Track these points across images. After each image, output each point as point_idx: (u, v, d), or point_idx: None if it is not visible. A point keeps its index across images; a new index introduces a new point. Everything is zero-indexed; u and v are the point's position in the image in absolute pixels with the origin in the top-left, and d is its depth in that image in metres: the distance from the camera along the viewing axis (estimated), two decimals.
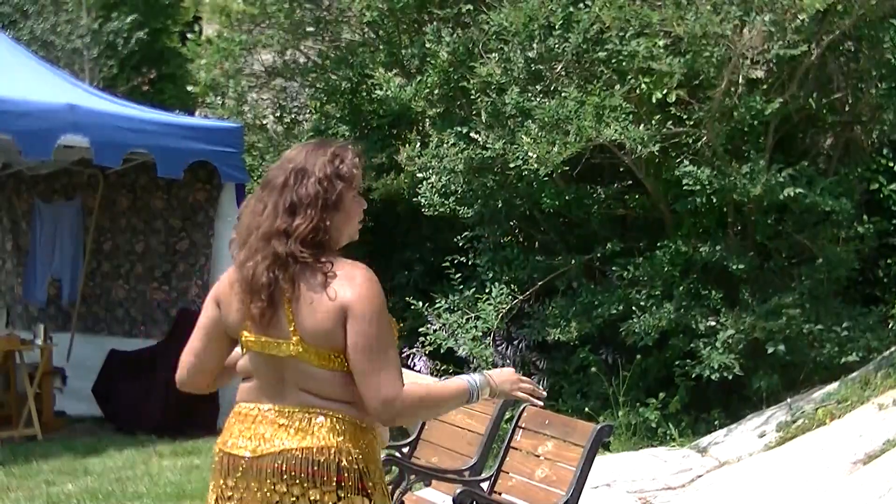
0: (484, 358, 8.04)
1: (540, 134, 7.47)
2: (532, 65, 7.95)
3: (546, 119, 7.49)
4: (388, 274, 9.88)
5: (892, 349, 7.64)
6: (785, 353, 7.67)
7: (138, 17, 16.44)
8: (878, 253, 8.91)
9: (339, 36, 10.50)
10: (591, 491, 6.15)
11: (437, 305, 8.63)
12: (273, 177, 2.86)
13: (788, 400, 7.46)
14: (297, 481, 2.75)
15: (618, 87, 7.60)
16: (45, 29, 16.08)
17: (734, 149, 8.01)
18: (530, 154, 7.49)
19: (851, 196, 7.98)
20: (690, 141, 7.87)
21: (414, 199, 8.85)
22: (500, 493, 4.94)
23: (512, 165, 7.86)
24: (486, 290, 8.47)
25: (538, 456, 4.88)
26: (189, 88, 13.39)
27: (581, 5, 7.80)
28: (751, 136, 8.04)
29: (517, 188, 8.58)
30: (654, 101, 7.57)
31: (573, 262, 8.58)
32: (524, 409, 5.14)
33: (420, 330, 8.72)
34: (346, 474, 2.76)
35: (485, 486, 4.99)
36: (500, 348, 8.67)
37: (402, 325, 8.88)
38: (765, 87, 7.84)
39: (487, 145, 8.03)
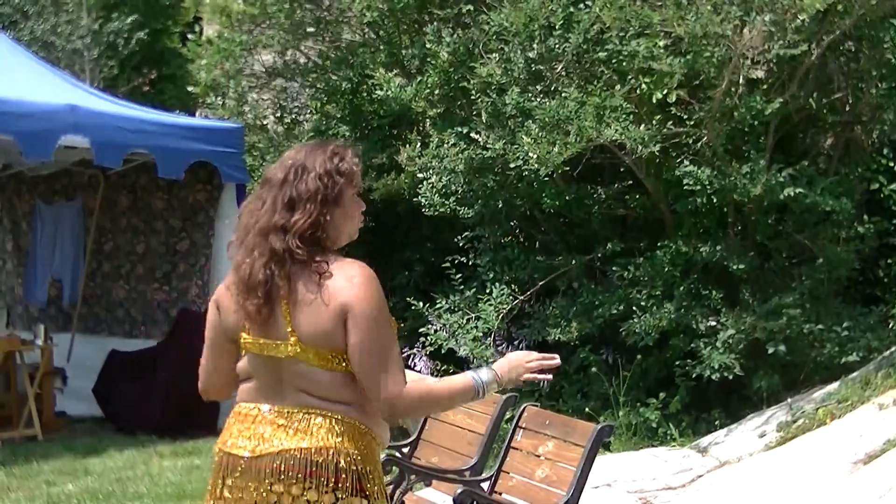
0: (485, 358, 8.04)
1: (540, 134, 7.47)
2: (532, 65, 7.95)
3: (546, 119, 7.49)
4: (388, 274, 9.88)
5: (893, 349, 7.64)
6: (785, 353, 7.67)
7: (139, 18, 16.44)
8: (879, 253, 8.91)
9: (339, 36, 10.50)
10: (592, 491, 6.15)
11: (438, 306, 8.63)
12: (272, 174, 2.87)
13: (789, 400, 7.46)
14: (296, 481, 2.75)
15: (618, 87, 7.60)
16: (46, 30, 16.07)
17: (734, 149, 8.00)
18: (531, 154, 7.49)
19: (852, 196, 7.98)
20: (691, 141, 7.87)
21: (414, 200, 8.85)
22: (500, 494, 4.94)
23: (512, 166, 7.86)
24: (487, 291, 8.47)
25: (539, 456, 4.88)
26: (189, 89, 13.39)
27: (581, 5, 7.80)
28: (751, 136, 8.04)
29: (517, 188, 8.58)
30: (654, 101, 7.57)
31: (574, 262, 8.58)
32: (524, 409, 5.14)
33: (421, 330, 8.72)
34: (343, 475, 2.77)
35: (485, 486, 4.99)
36: (500, 348, 8.67)
37: (402, 325, 8.88)
38: (765, 87, 7.84)
39: (488, 145, 8.03)
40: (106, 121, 8.48)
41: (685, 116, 7.87)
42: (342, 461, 2.77)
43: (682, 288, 7.96)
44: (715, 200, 7.83)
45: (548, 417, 5.08)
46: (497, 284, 8.43)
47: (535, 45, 7.85)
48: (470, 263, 8.94)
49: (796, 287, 7.92)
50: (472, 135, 8.33)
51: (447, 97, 8.78)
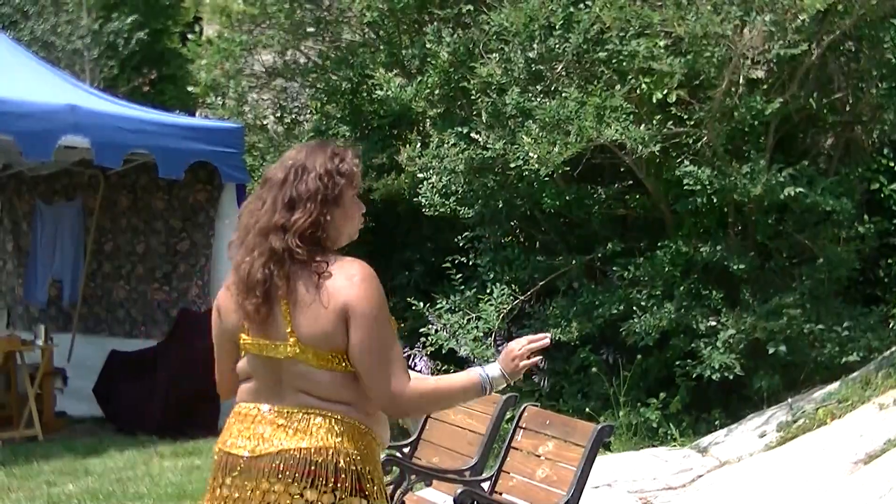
0: (485, 359, 8.04)
1: (541, 134, 7.47)
2: (532, 65, 7.95)
3: (547, 119, 7.49)
4: (388, 274, 9.88)
5: (893, 349, 7.64)
6: (786, 353, 7.67)
7: (139, 18, 16.43)
8: (879, 253, 8.91)
9: (339, 36, 10.50)
10: (592, 491, 6.15)
11: (438, 306, 8.63)
12: (272, 174, 2.87)
13: (789, 400, 7.46)
14: (295, 481, 2.75)
15: (618, 87, 7.60)
16: (46, 30, 16.07)
17: (735, 149, 8.01)
18: (531, 154, 7.49)
19: (852, 196, 7.98)
20: (691, 141, 7.87)
21: (414, 200, 8.85)
22: (500, 494, 4.93)
23: (512, 165, 7.86)
24: (487, 291, 8.47)
25: (539, 456, 4.88)
26: (189, 89, 13.39)
27: (581, 5, 7.80)
28: (751, 136, 8.04)
29: (518, 188, 8.58)
30: (654, 101, 7.57)
31: (574, 262, 8.58)
32: (525, 409, 5.14)
33: (421, 330, 8.72)
34: (343, 475, 2.77)
35: (485, 486, 4.99)
36: (500, 348, 8.66)
37: (402, 325, 8.88)
38: (765, 87, 7.84)
39: (488, 145, 8.03)
40: (106, 121, 8.48)
41: (685, 116, 7.87)
42: (342, 461, 2.77)
43: (682, 288, 7.96)
44: (715, 200, 7.83)
45: (548, 417, 5.08)
46: (497, 284, 8.43)
47: (535, 45, 7.85)
48: (470, 263, 8.94)
49: (797, 287, 7.92)
50: (473, 135, 8.33)
51: (447, 97, 8.78)
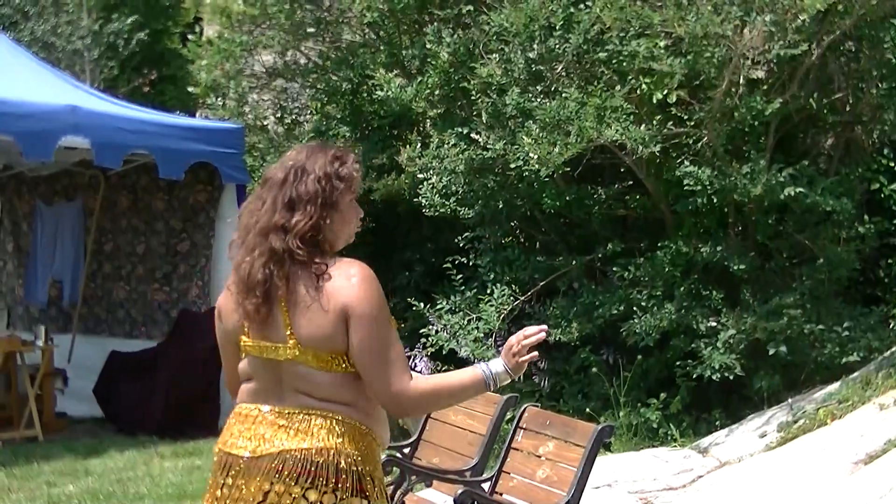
0: (486, 359, 8.03)
1: (541, 135, 7.47)
2: (532, 65, 7.96)
3: (547, 120, 7.49)
4: (389, 274, 9.88)
5: (894, 349, 7.64)
6: (786, 354, 7.67)
7: (139, 19, 16.43)
8: (879, 253, 8.91)
9: (339, 37, 10.51)
10: (593, 491, 6.15)
11: (439, 306, 8.63)
12: (272, 174, 2.88)
13: (789, 400, 7.46)
14: (296, 482, 2.75)
15: (618, 87, 7.60)
16: (46, 30, 16.07)
17: (735, 149, 8.01)
18: (531, 155, 7.49)
19: (852, 196, 7.99)
20: (691, 141, 7.87)
21: (415, 200, 8.85)
22: (501, 494, 4.94)
23: (513, 166, 7.86)
24: (488, 291, 8.47)
25: (539, 456, 4.88)
26: (190, 89, 13.40)
27: (581, 6, 7.80)
28: (751, 137, 8.04)
29: (518, 189, 8.58)
30: (654, 101, 7.58)
31: (574, 262, 8.58)
32: (525, 409, 5.14)
33: (422, 331, 8.72)
34: (344, 476, 2.77)
35: (486, 486, 4.99)
36: (501, 349, 8.68)
37: (402, 325, 8.88)
38: (765, 87, 7.84)
39: (488, 146, 8.04)
40: (106, 121, 8.48)
41: (685, 117, 7.87)
42: (343, 462, 2.77)
43: (682, 288, 7.96)
44: (715, 200, 7.83)
45: (548, 418, 5.08)
46: (498, 285, 8.43)
47: (535, 46, 7.86)
48: (470, 264, 8.94)
49: (797, 287, 7.92)
50: (473, 135, 8.33)
51: (447, 98, 8.78)
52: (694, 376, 7.76)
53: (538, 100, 7.75)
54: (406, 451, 5.51)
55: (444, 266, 8.91)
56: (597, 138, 7.41)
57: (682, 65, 7.43)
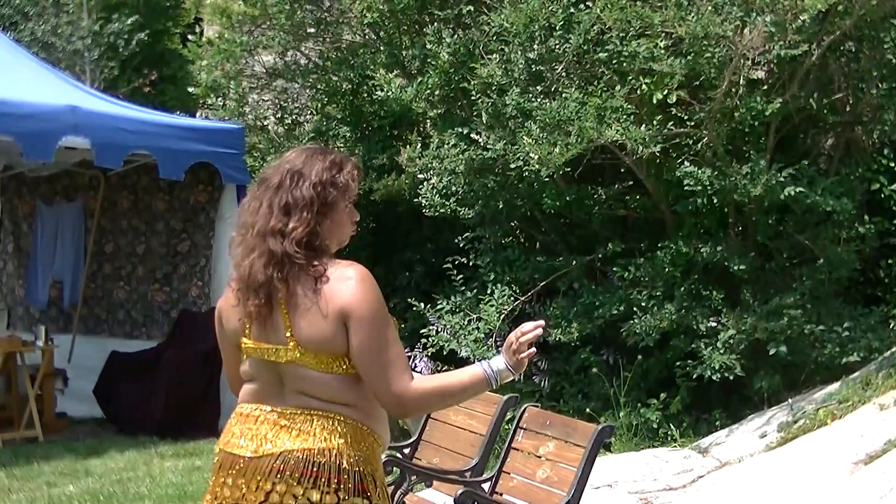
0: (486, 359, 8.03)
1: (541, 135, 7.47)
2: (533, 66, 7.96)
3: (547, 120, 7.49)
4: (389, 275, 9.89)
5: (894, 349, 7.64)
6: (786, 354, 7.68)
7: (139, 19, 16.42)
8: (879, 253, 8.91)
9: (339, 37, 10.50)
10: (593, 492, 6.15)
11: (439, 307, 8.63)
12: (269, 176, 2.89)
13: (790, 400, 7.46)
14: (298, 482, 2.76)
15: (619, 87, 7.60)
16: (46, 31, 16.06)
17: (735, 149, 8.01)
18: (532, 155, 7.49)
19: (852, 196, 7.99)
20: (691, 142, 7.88)
21: (415, 200, 8.85)
22: (501, 494, 4.94)
23: (513, 166, 7.87)
24: (488, 292, 8.47)
25: (539, 457, 4.88)
26: (190, 90, 13.39)
27: (582, 6, 7.80)
28: (751, 137, 8.04)
29: (518, 189, 8.58)
30: (654, 101, 7.58)
31: (574, 262, 8.58)
32: (525, 409, 5.14)
33: (422, 331, 8.73)
34: (346, 476, 2.77)
35: (486, 486, 4.99)
36: (501, 349, 8.67)
37: (403, 326, 8.88)
38: (765, 87, 7.84)
39: (488, 146, 8.04)
40: (106, 122, 8.48)
41: (686, 117, 7.88)
42: (345, 462, 2.78)
43: (682, 288, 7.96)
44: (715, 201, 7.83)
45: (548, 418, 5.08)
46: (498, 285, 8.44)
47: (535, 46, 7.86)
48: (471, 264, 8.94)
49: (797, 287, 7.92)
50: (473, 135, 8.34)
51: (448, 98, 8.78)
52: (694, 376, 7.76)
53: (538, 100, 7.75)
54: (406, 451, 5.51)
55: (445, 266, 8.91)
56: (597, 139, 7.41)
57: (683, 65, 7.44)
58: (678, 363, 7.95)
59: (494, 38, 8.15)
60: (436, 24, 8.87)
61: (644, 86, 7.58)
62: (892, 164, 8.97)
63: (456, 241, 9.13)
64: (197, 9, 16.83)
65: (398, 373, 2.76)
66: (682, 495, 6.56)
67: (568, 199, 8.42)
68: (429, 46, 8.62)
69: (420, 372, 8.83)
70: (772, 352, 7.67)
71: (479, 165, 8.31)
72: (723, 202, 7.92)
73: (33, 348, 9.10)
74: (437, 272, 9.38)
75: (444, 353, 8.44)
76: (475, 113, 8.31)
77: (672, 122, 7.73)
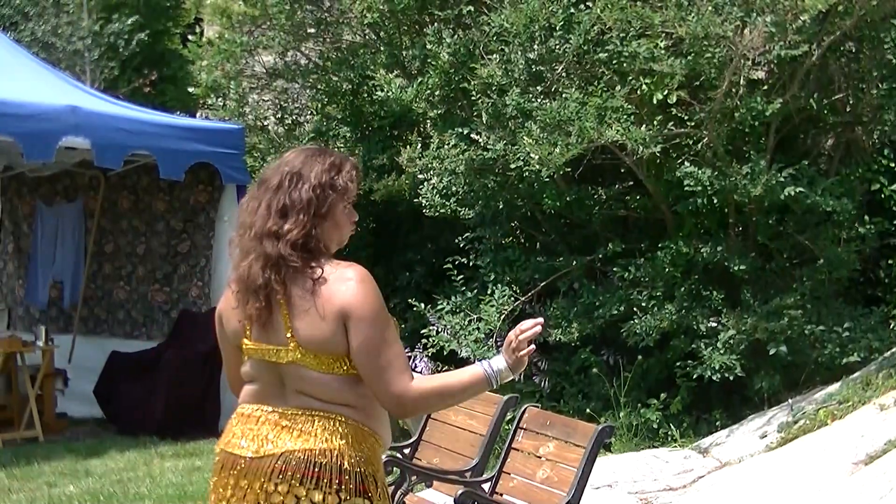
0: (486, 360, 8.02)
1: (542, 135, 7.47)
2: (533, 66, 7.96)
3: (547, 120, 7.49)
4: (389, 275, 9.89)
5: (894, 350, 7.64)
6: (786, 354, 7.68)
7: (139, 19, 16.43)
8: (880, 253, 8.91)
9: (340, 37, 10.50)
10: (593, 492, 6.15)
11: (439, 307, 8.63)
12: (268, 177, 2.89)
13: (790, 400, 7.46)
14: (299, 483, 2.76)
15: (619, 88, 7.60)
16: (46, 31, 16.07)
17: (735, 150, 8.01)
18: (532, 155, 7.49)
19: (852, 196, 7.99)
20: (691, 142, 7.88)
21: (415, 200, 8.85)
22: (501, 494, 4.94)
23: (513, 166, 7.87)
24: (488, 292, 8.47)
25: (539, 457, 4.88)
26: (190, 90, 13.39)
27: (582, 6, 7.80)
28: (752, 137, 8.04)
29: (518, 189, 8.58)
30: (655, 102, 7.58)
31: (574, 263, 8.58)
32: (525, 410, 5.14)
33: (422, 332, 8.73)
34: (347, 477, 2.78)
35: (486, 487, 4.99)
36: (501, 349, 8.67)
37: (403, 326, 8.88)
38: (766, 87, 7.84)
39: (488, 146, 8.04)
40: (107, 122, 8.48)
41: (686, 117, 7.88)
42: (346, 463, 2.78)
43: (682, 289, 7.96)
44: (716, 201, 7.84)
45: (549, 418, 5.08)
46: (498, 285, 8.44)
47: (535, 46, 7.86)
48: (471, 264, 8.94)
49: (797, 288, 7.92)
50: (473, 136, 8.34)
51: (448, 98, 8.78)
52: (694, 377, 7.76)
53: (538, 100, 7.75)
54: (406, 451, 5.51)
55: (445, 266, 8.91)
56: (597, 139, 7.41)
57: (683, 65, 7.43)
58: (678, 363, 7.95)
59: (494, 38, 8.15)
60: (436, 24, 8.87)
61: (644, 86, 7.58)
62: (893, 165, 8.96)
63: (456, 241, 9.13)
64: (197, 9, 16.83)
65: (398, 373, 2.77)
66: (682, 495, 6.56)
67: (568, 199, 8.42)
68: (429, 47, 8.62)
69: (420, 372, 8.83)
70: (772, 352, 7.67)
71: (480, 166, 8.32)
72: (723, 202, 7.92)
73: (33, 348, 9.10)
74: (438, 272, 9.38)
75: (445, 353, 8.44)
76: (475, 113, 8.31)
77: (672, 123, 7.73)
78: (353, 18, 10.22)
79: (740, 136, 8.04)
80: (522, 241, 9.41)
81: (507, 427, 5.44)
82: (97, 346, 9.77)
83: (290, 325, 2.79)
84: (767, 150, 7.93)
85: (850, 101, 8.47)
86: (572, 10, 7.75)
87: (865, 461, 5.96)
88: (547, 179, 8.09)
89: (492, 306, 8.30)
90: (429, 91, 8.61)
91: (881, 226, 8.39)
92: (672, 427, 7.78)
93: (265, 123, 11.23)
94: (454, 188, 8.56)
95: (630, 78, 7.65)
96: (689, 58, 7.48)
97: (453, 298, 8.64)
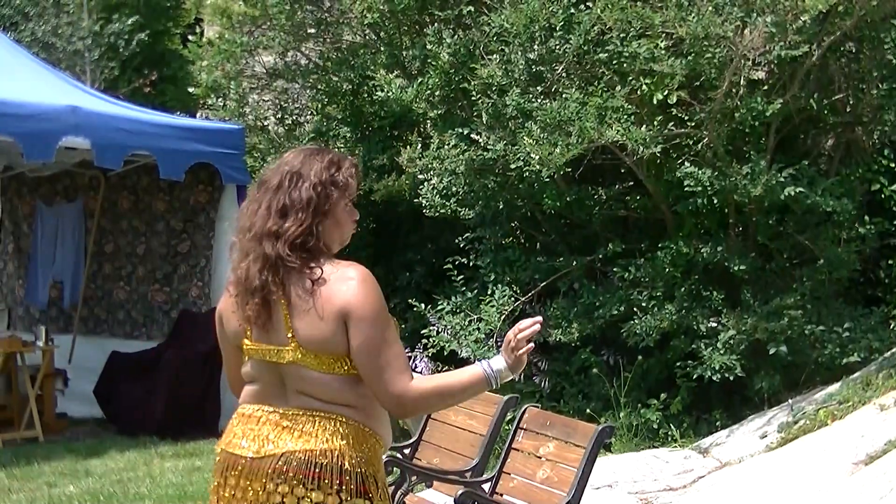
0: (486, 360, 8.02)
1: (542, 135, 7.47)
2: (533, 66, 7.96)
3: (548, 120, 7.50)
4: (389, 275, 9.89)
5: (894, 350, 7.64)
6: (786, 354, 7.68)
7: (139, 19, 16.43)
8: (880, 254, 8.91)
9: (340, 37, 10.51)
10: (593, 492, 6.15)
11: (440, 307, 8.63)
12: (268, 178, 2.89)
13: (790, 401, 7.46)
14: (300, 483, 2.76)
15: (619, 88, 7.60)
16: (47, 31, 16.07)
17: (735, 150, 8.01)
18: (532, 155, 7.49)
19: (853, 197, 7.99)
20: (691, 142, 7.88)
21: (415, 201, 8.85)
22: (501, 495, 4.94)
23: (513, 167, 7.87)
24: (488, 292, 8.47)
25: (540, 457, 4.88)
26: (190, 90, 13.40)
27: (582, 7, 7.80)
28: (752, 137, 8.04)
29: (518, 189, 8.58)
30: (655, 102, 7.58)
31: (575, 263, 8.58)
32: (525, 410, 5.14)
33: (423, 332, 8.73)
34: (348, 477, 2.78)
35: (486, 487, 4.99)
36: (500, 350, 8.67)
37: (403, 326, 8.88)
38: (766, 87, 7.84)
39: (488, 147, 8.04)
40: (107, 122, 8.48)
41: (686, 117, 7.88)
42: (346, 463, 2.78)
43: (683, 289, 7.96)
44: (716, 201, 7.84)
45: (549, 418, 5.08)
46: (498, 286, 8.44)
47: (535, 47, 7.86)
48: (471, 265, 8.95)
49: (797, 288, 7.92)
50: (473, 136, 8.34)
51: (448, 98, 8.78)
52: (694, 377, 7.76)
53: (539, 100, 7.75)
54: (406, 451, 5.51)
55: (445, 267, 8.92)
56: (598, 139, 7.41)
57: (683, 65, 7.44)
58: (678, 363, 7.95)
59: (495, 38, 8.15)
60: (436, 24, 8.87)
61: (644, 86, 7.58)
62: (893, 165, 8.97)
63: (456, 241, 9.14)
64: (197, 9, 16.84)
65: (398, 373, 2.76)
66: (682, 496, 6.56)
67: (568, 199, 8.42)
68: (429, 47, 8.62)
69: (421, 372, 8.83)
70: (772, 352, 7.67)
71: (480, 166, 8.32)
72: (723, 202, 7.92)
73: (33, 348, 9.10)
74: (438, 272, 9.38)
75: (445, 353, 8.44)
76: (475, 113, 8.31)
77: (672, 123, 7.73)
78: (353, 19, 10.23)
79: (740, 136, 8.05)
80: (522, 241, 9.41)
81: (507, 427, 5.43)
82: (97, 346, 9.77)
83: (291, 325, 2.79)
84: (767, 150, 7.93)
85: (851, 102, 8.47)
86: (572, 11, 7.75)
87: (865, 461, 5.96)
88: (547, 179, 8.09)
89: (492, 306, 8.30)
90: (429, 91, 8.61)
91: (881, 226, 8.39)
92: (672, 427, 7.78)
93: (265, 124, 11.24)
94: (454, 188, 8.56)
95: (630, 78, 7.65)
96: (690, 58, 7.48)
97: (453, 298, 8.64)
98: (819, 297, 8.03)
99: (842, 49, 8.33)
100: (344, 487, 2.76)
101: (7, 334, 10.03)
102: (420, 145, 8.64)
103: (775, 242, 8.24)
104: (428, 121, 9.07)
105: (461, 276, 8.78)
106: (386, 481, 2.92)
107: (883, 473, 5.64)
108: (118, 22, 16.27)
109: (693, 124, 7.81)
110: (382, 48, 9.97)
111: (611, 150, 7.87)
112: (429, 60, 8.70)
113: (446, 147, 8.35)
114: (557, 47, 7.79)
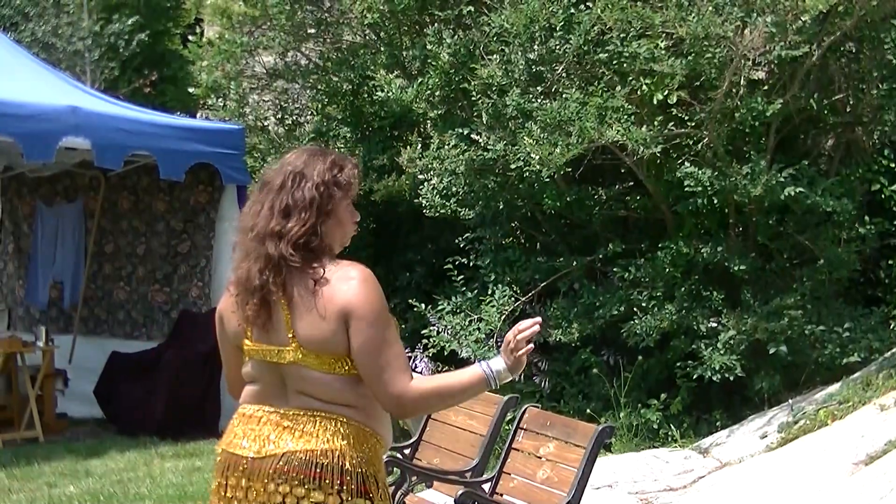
0: (486, 360, 8.02)
1: (542, 135, 7.47)
2: (533, 66, 7.96)
3: (548, 120, 7.50)
4: (389, 275, 9.89)
5: (894, 350, 7.64)
6: (786, 354, 7.68)
7: (140, 20, 16.42)
8: (880, 254, 8.92)
9: (340, 38, 10.51)
10: (593, 492, 6.15)
11: (440, 307, 8.63)
12: (271, 178, 2.89)
13: (790, 401, 7.46)
14: (300, 483, 2.76)
15: (619, 88, 7.60)
16: (47, 31, 16.07)
17: (735, 150, 8.01)
18: (533, 155, 7.49)
19: (853, 197, 7.99)
20: (692, 142, 7.88)
21: (415, 201, 8.85)
22: (501, 495, 4.94)
23: (513, 167, 7.87)
24: (489, 292, 8.48)
25: (540, 457, 4.88)
26: (190, 90, 13.40)
27: (582, 7, 7.81)
28: (752, 137, 8.04)
29: (518, 189, 8.58)
30: (655, 102, 7.58)
31: (575, 263, 8.58)
32: (526, 410, 5.14)
33: (423, 332, 8.72)
34: (348, 477, 2.78)
35: (486, 487, 4.99)
36: (500, 350, 8.66)
37: (403, 326, 8.88)
38: (766, 87, 7.84)
39: (488, 147, 8.04)
40: (107, 122, 8.48)
41: (686, 118, 7.88)
42: (347, 463, 2.78)
43: (683, 289, 7.97)
44: (716, 201, 7.84)
45: (549, 419, 5.08)
46: (499, 286, 8.44)
47: (535, 47, 7.86)
48: (471, 265, 8.95)
49: (797, 288, 7.92)
50: (473, 136, 8.34)
51: (448, 98, 8.78)
52: (694, 377, 7.76)
53: (539, 101, 7.75)
54: (407, 451, 5.51)
55: (445, 267, 8.92)
56: (598, 139, 7.42)
57: (683, 66, 7.44)
58: (678, 364, 7.95)
59: (495, 38, 8.15)
60: (436, 24, 8.88)
61: (644, 86, 7.58)
62: (893, 165, 8.97)
63: (456, 241, 9.14)
64: (197, 9, 16.84)
65: (398, 373, 2.77)
66: (682, 496, 6.56)
67: (568, 199, 8.43)
68: (429, 47, 8.63)
69: (421, 373, 8.83)
70: (772, 352, 7.67)
71: (480, 166, 8.32)
72: (723, 203, 7.92)
73: (34, 349, 9.10)
74: (438, 273, 9.38)
75: (445, 353, 8.44)
76: (475, 113, 8.31)
77: (672, 123, 7.74)
78: (353, 19, 10.23)
79: (740, 136, 8.05)
80: (523, 241, 9.41)
81: (507, 427, 5.43)
82: (97, 346, 9.76)
83: (292, 326, 2.79)
84: (767, 150, 7.93)
85: (851, 102, 8.47)
86: (572, 11, 7.75)
87: (866, 461, 5.96)
88: (547, 180, 8.09)
89: (492, 306, 8.30)
90: (429, 91, 8.61)
91: (881, 226, 8.39)
92: (672, 427, 7.78)
93: (265, 124, 11.24)
94: (454, 188, 8.56)
95: (630, 78, 7.66)
96: (690, 58, 7.48)
97: (454, 299, 8.64)
98: (819, 297, 8.03)
99: (842, 49, 8.33)
100: (345, 487, 2.76)
101: (7, 334, 10.03)
102: (420, 145, 8.64)
103: (775, 242, 8.24)
104: (428, 121, 9.07)
105: (461, 277, 8.78)
106: (386, 481, 2.93)
107: (883, 473, 5.64)
108: (118, 22, 16.26)
109: (693, 124, 7.81)
110: (382, 48, 9.98)
111: (611, 150, 7.87)
112: (429, 60, 8.70)
113: (446, 147, 8.36)
114: (557, 47, 7.79)
